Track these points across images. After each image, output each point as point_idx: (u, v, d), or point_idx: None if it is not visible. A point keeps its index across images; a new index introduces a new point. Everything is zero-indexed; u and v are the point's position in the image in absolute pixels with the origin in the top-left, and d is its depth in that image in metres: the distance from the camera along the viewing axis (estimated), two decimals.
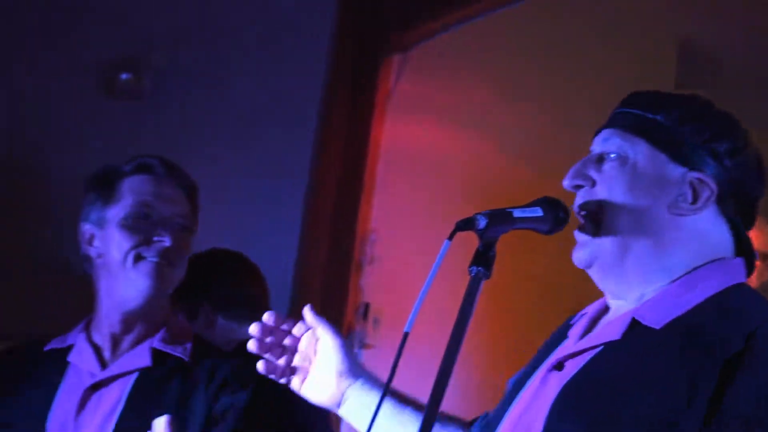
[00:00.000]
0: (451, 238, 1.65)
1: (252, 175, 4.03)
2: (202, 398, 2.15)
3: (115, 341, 2.23)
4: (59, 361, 2.22)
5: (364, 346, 3.89)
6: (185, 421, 2.14)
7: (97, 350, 2.23)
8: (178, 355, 2.21)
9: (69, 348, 2.25)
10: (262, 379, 2.20)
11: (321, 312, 4.10)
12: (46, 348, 2.27)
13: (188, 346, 2.22)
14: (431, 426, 1.54)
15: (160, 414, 2.09)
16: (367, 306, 3.93)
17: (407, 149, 4.18)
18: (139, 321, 2.22)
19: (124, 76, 4.05)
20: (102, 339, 2.23)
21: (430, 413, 1.56)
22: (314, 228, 3.93)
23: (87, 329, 2.26)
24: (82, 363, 2.22)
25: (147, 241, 2.15)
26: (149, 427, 2.03)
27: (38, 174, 3.97)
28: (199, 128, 4.08)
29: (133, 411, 2.13)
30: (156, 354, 2.21)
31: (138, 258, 2.15)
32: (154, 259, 2.15)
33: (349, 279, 3.89)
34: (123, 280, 2.16)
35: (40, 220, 3.78)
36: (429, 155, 4.22)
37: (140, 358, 2.20)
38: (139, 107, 4.08)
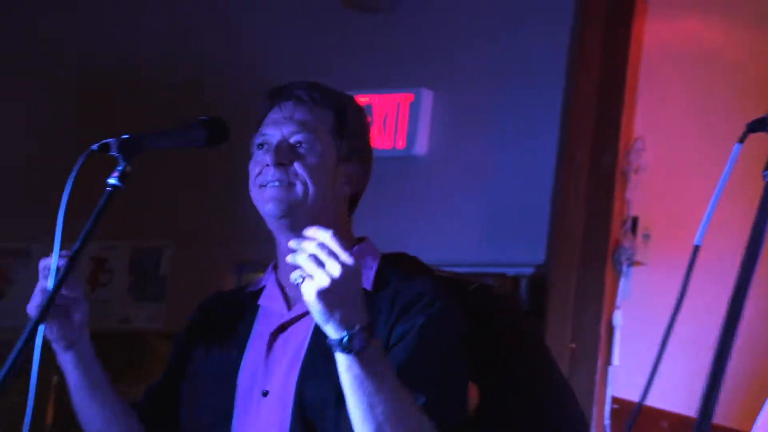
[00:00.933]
0: (742, 140, 1.59)
1: (503, 85, 3.99)
2: (381, 330, 2.10)
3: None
4: (252, 305, 2.24)
5: (633, 263, 3.71)
6: None
7: (282, 289, 2.22)
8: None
9: (261, 290, 2.26)
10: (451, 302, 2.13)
11: (585, 227, 3.96)
12: (247, 291, 2.29)
13: (371, 274, 2.17)
14: (726, 358, 1.44)
15: None
16: (635, 220, 3.74)
17: (673, 48, 3.94)
18: None
19: None
20: (284, 277, 2.21)
21: (723, 346, 1.44)
22: (574, 137, 3.83)
23: (275, 269, 2.27)
24: (271, 304, 2.22)
25: (261, 170, 2.18)
26: (336, 365, 2.01)
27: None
28: (443, 37, 4.08)
29: (318, 349, 2.09)
30: None
31: (259, 187, 2.18)
32: (266, 183, 2.16)
33: (614, 191, 3.74)
34: (262, 214, 2.21)
35: None
36: (699, 53, 3.97)
37: None
38: (378, 19, 4.10)
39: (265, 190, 2.16)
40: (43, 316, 1.90)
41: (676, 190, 3.83)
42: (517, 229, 3.88)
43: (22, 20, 4.74)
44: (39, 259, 2.06)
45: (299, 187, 2.15)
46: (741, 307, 1.46)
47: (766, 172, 1.51)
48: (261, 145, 2.18)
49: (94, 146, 1.98)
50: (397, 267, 2.24)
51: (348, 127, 2.23)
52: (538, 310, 3.76)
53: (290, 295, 2.20)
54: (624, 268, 3.69)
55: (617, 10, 3.85)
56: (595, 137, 3.80)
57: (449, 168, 3.98)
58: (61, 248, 1.95)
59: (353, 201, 2.27)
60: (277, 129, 2.18)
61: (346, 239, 2.17)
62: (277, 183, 2.15)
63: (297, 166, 2.15)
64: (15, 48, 4.75)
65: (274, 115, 2.20)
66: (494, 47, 4.01)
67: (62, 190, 1.93)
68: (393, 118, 4.05)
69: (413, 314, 2.10)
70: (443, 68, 4.03)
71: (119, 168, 1.96)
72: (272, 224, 2.19)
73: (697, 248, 1.55)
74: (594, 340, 3.67)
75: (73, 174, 1.94)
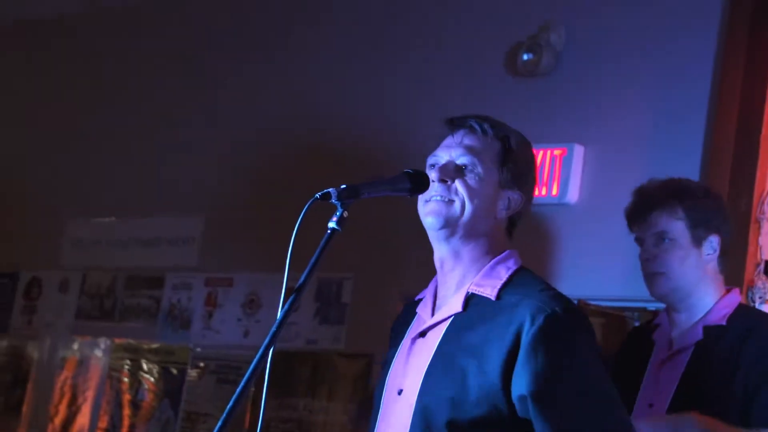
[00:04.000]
0: None
1: (646, 137, 4.09)
2: (497, 343, 2.17)
3: (444, 286, 2.33)
4: (413, 312, 2.39)
5: (765, 301, 3.87)
6: (480, 363, 2.17)
7: (435, 297, 2.34)
8: (486, 295, 2.26)
9: (420, 300, 2.40)
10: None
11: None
12: (416, 299, 2.43)
13: (499, 284, 2.25)
14: None
15: (460, 359, 2.16)
16: (767, 263, 3.91)
17: None
18: (454, 263, 2.31)
19: (525, 56, 4.28)
20: (440, 285, 2.35)
21: None
22: (712, 185, 3.77)
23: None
24: (422, 311, 2.37)
25: (429, 187, 2.31)
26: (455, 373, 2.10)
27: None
28: (592, 99, 4.21)
29: (441, 355, 2.22)
30: (469, 298, 2.27)
31: (425, 202, 2.32)
32: (429, 198, 2.29)
33: (748, 237, 3.87)
34: (424, 225, 2.33)
35: None
36: None
37: (456, 304, 2.28)
38: (539, 84, 4.28)
39: (428, 204, 2.28)
40: (274, 339, 2.00)
41: None
42: None
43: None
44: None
45: (457, 204, 2.27)
46: None
47: None
48: (432, 166, 2.31)
49: (318, 195, 2.04)
50: (530, 284, 2.23)
51: (512, 157, 2.30)
52: None
53: (437, 303, 2.32)
54: (756, 304, 3.83)
55: (755, 67, 3.99)
56: (732, 186, 3.92)
57: (597, 213, 4.09)
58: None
59: (512, 223, 2.33)
60: (446, 152, 2.31)
61: (494, 253, 2.28)
62: (438, 198, 2.26)
63: (458, 184, 2.27)
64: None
65: (447, 141, 2.33)
66: (638, 106, 4.12)
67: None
68: (548, 170, 4.15)
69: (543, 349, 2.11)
70: (593, 126, 4.15)
71: (338, 213, 2.05)
72: (431, 235, 2.30)
73: None
74: None
75: (300, 217, 2.01)
